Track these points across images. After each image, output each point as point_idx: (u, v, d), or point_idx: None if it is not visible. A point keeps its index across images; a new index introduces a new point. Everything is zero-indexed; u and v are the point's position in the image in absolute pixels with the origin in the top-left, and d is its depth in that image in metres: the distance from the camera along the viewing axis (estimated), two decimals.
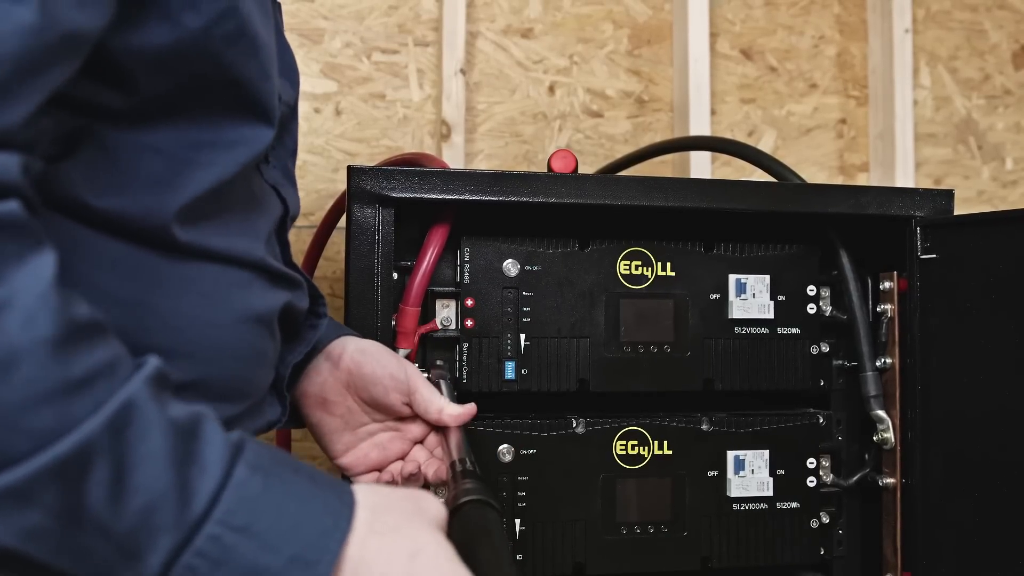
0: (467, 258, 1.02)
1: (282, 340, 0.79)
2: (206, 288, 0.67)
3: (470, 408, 0.85)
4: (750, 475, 1.07)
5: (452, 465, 0.78)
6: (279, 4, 0.82)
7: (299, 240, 1.29)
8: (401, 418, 0.88)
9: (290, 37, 1.42)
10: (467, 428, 0.87)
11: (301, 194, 1.44)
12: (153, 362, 0.54)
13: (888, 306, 1.10)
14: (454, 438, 0.84)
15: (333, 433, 0.89)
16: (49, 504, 0.48)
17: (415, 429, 0.88)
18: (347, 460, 0.89)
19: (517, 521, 1.01)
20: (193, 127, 0.65)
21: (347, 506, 0.57)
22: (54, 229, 0.60)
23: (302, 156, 1.45)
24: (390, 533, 0.58)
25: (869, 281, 1.13)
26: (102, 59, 0.59)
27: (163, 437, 0.52)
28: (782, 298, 1.09)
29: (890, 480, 1.09)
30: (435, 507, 0.62)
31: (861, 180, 1.66)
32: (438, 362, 1.02)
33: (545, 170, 1.04)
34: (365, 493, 0.59)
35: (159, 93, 0.62)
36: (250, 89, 0.67)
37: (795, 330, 1.10)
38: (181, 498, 0.51)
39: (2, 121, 0.50)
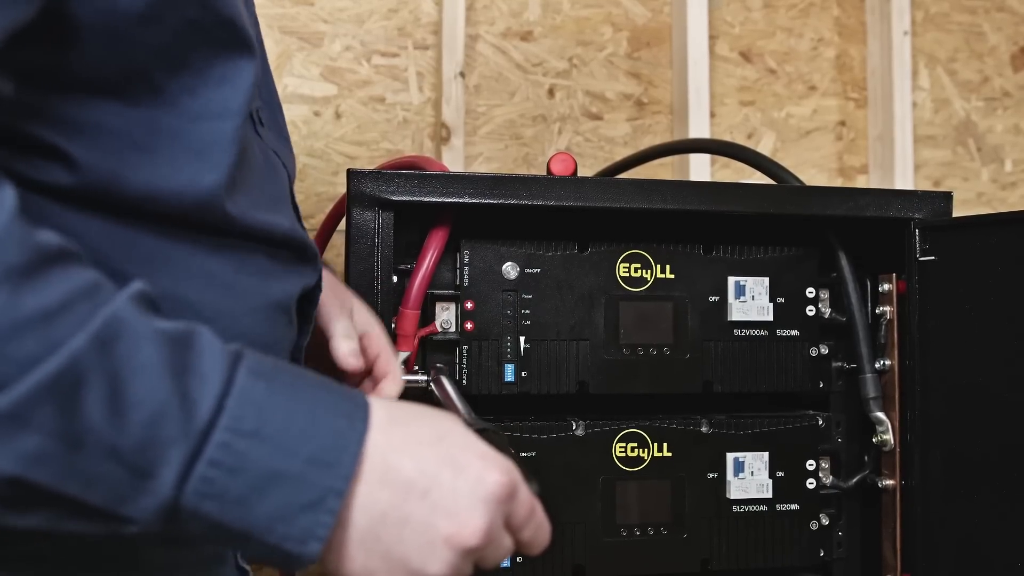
0: (467, 261, 1.02)
1: (301, 323, 0.78)
2: (228, 279, 0.66)
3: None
4: (750, 477, 1.07)
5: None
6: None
7: None
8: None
9: (289, 40, 1.43)
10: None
11: (300, 197, 1.45)
12: (137, 284, 0.53)
13: (887, 308, 1.10)
14: (454, 396, 0.85)
15: None
16: (46, 426, 0.48)
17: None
18: None
19: None
20: (200, 83, 0.64)
21: (360, 407, 0.56)
22: (88, 227, 0.60)
23: (302, 159, 1.45)
24: (414, 422, 0.57)
25: (868, 283, 1.13)
26: (97, 31, 0.58)
27: (155, 348, 0.50)
28: (781, 300, 1.09)
29: (889, 482, 1.09)
30: (447, 412, 0.62)
31: (860, 182, 1.67)
32: (438, 364, 1.02)
33: (544, 173, 1.05)
34: (376, 398, 0.58)
35: (158, 51, 0.61)
36: (238, 24, 0.65)
37: (794, 332, 1.10)
38: (184, 408, 0.50)
39: None
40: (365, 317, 0.90)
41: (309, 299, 0.80)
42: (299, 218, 0.79)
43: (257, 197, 0.68)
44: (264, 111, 0.77)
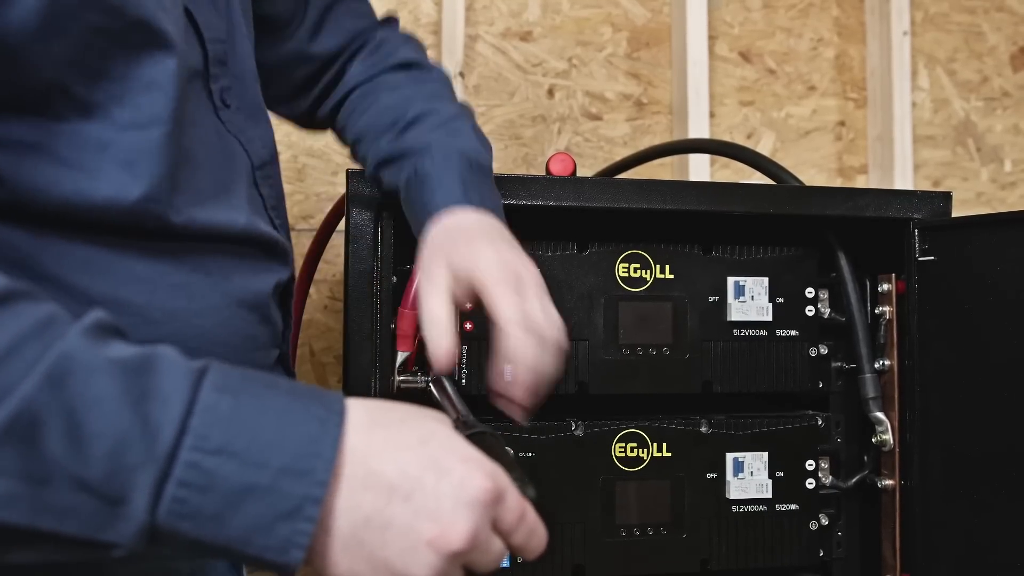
0: None
1: (283, 316, 0.77)
2: (177, 281, 0.66)
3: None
4: (749, 477, 1.07)
5: (455, 420, 0.79)
6: None
7: (299, 244, 1.29)
8: None
9: None
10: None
11: (300, 196, 1.45)
12: (94, 314, 0.53)
13: (886, 308, 1.10)
14: (453, 397, 0.85)
15: None
16: (9, 469, 0.48)
17: None
18: None
19: None
20: (127, 90, 0.63)
21: (335, 413, 0.54)
22: (17, 238, 0.60)
23: (302, 159, 1.45)
24: (396, 425, 0.56)
25: (867, 283, 1.13)
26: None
27: (110, 379, 0.50)
28: (780, 300, 1.09)
29: (889, 482, 1.09)
30: (437, 413, 0.60)
31: (860, 182, 1.67)
32: None
33: (544, 173, 1.05)
34: (357, 400, 0.57)
35: (70, 64, 0.60)
36: (151, 24, 0.64)
37: (794, 332, 1.10)
38: (146, 433, 0.50)
39: None
40: (465, 254, 0.78)
41: (287, 292, 0.79)
42: (268, 207, 0.77)
43: (202, 194, 0.67)
44: (233, 91, 0.75)
